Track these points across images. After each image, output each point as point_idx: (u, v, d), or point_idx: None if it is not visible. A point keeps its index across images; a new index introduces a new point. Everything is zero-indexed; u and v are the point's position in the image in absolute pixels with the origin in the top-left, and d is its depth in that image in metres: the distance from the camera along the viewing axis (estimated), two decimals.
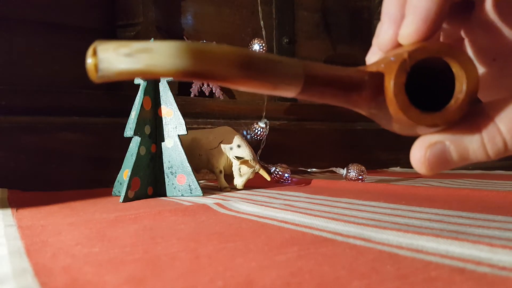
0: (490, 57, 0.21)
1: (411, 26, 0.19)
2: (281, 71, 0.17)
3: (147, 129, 0.55)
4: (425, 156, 0.19)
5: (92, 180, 0.73)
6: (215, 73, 0.16)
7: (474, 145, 0.18)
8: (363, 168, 0.71)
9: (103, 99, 0.79)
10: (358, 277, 0.19)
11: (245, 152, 0.60)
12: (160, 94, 0.57)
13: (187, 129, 0.56)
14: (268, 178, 0.61)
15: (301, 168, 0.81)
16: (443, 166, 0.19)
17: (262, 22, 0.85)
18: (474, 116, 0.18)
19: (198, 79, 0.16)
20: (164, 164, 0.57)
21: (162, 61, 0.15)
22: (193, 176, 0.56)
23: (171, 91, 0.57)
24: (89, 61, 0.15)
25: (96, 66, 0.15)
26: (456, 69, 0.17)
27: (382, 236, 0.27)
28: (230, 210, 0.41)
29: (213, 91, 0.95)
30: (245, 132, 0.82)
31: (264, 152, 0.84)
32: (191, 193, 0.56)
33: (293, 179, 0.75)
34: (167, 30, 0.87)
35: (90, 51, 0.15)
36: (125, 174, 0.55)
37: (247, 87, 0.17)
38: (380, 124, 0.20)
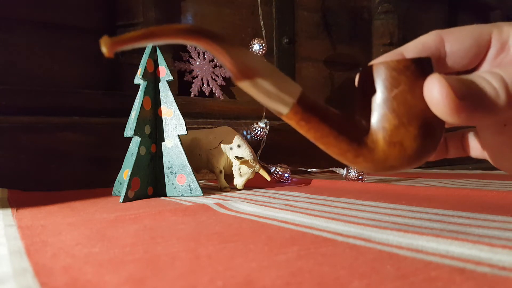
0: (501, 123, 0.22)
1: None
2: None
3: (147, 129, 0.55)
4: (447, 88, 0.17)
5: (92, 180, 0.73)
6: None
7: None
8: None
9: (103, 99, 0.79)
10: (358, 277, 0.19)
11: (245, 152, 0.60)
12: (160, 94, 0.57)
13: (187, 129, 0.57)
14: (268, 178, 0.61)
15: (301, 168, 0.81)
16: (479, 101, 0.17)
17: (262, 22, 0.85)
18: None
19: None
20: (164, 164, 0.57)
21: None
22: (193, 176, 0.56)
23: (171, 91, 0.57)
24: None
25: None
26: None
27: (382, 236, 0.27)
28: (230, 210, 0.41)
29: (213, 91, 0.95)
30: (245, 132, 0.82)
31: (264, 152, 0.84)
32: (191, 193, 0.56)
33: (293, 179, 0.75)
34: None
35: None
36: (125, 174, 0.55)
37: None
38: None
